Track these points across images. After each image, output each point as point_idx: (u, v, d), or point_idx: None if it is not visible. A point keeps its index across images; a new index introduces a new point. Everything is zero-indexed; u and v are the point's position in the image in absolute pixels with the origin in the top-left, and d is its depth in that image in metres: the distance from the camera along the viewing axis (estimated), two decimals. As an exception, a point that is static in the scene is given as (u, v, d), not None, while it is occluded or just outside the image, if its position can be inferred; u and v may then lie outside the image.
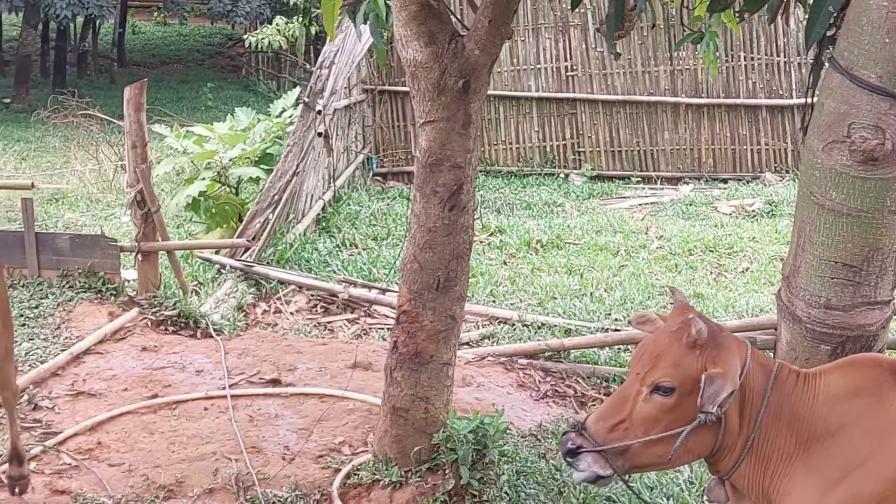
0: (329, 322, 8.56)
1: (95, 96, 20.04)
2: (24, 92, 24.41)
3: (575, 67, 15.90)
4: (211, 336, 7.71)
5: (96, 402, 6.52)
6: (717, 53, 6.03)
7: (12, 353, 5.37)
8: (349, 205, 12.77)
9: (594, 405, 6.90)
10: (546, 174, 15.76)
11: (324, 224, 11.67)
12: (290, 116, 11.72)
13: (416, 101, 5.15)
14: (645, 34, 15.32)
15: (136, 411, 6.37)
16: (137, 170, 8.27)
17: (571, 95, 15.92)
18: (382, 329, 8.36)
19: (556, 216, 13.06)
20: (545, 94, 15.96)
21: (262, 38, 15.11)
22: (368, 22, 4.80)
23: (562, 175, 15.79)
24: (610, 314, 8.81)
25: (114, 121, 14.28)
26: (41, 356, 7.08)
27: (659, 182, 15.70)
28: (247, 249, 9.49)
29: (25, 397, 6.47)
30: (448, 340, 5.46)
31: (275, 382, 6.86)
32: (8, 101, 24.26)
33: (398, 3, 4.96)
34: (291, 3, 13.59)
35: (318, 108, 10.93)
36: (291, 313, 8.70)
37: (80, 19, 24.95)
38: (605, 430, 3.39)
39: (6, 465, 5.40)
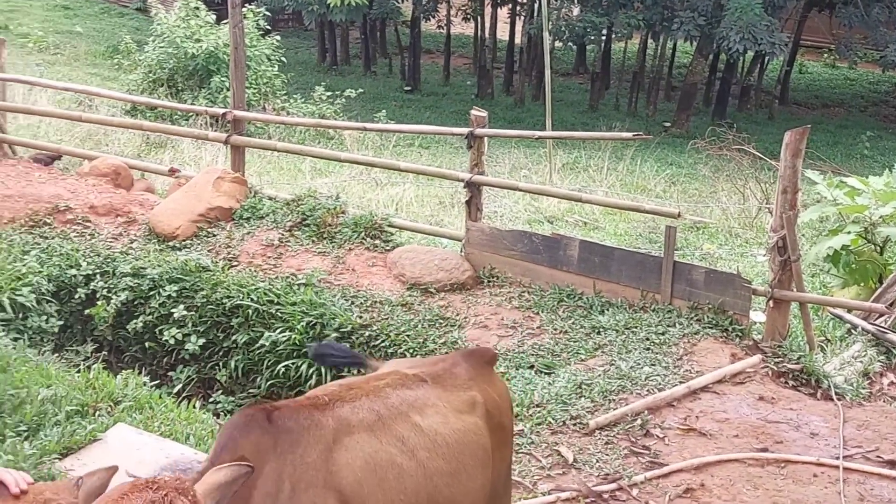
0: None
1: (751, 131, 20.18)
2: (684, 118, 25.34)
3: None
4: (831, 399, 7.35)
5: (705, 442, 6.50)
6: None
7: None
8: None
9: None
10: None
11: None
12: (959, 180, 10.85)
13: None
14: None
15: (744, 461, 6.25)
16: (784, 215, 8.13)
17: None
18: None
19: None
20: None
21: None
22: None
23: None
24: None
25: (766, 159, 14.20)
26: (659, 383, 7.18)
27: None
28: (882, 314, 8.95)
29: (639, 421, 6.64)
30: None
31: (893, 464, 6.37)
32: (668, 124, 25.33)
33: None
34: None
35: None
36: (923, 391, 8.06)
37: (749, 54, 25.28)
38: None
39: None
